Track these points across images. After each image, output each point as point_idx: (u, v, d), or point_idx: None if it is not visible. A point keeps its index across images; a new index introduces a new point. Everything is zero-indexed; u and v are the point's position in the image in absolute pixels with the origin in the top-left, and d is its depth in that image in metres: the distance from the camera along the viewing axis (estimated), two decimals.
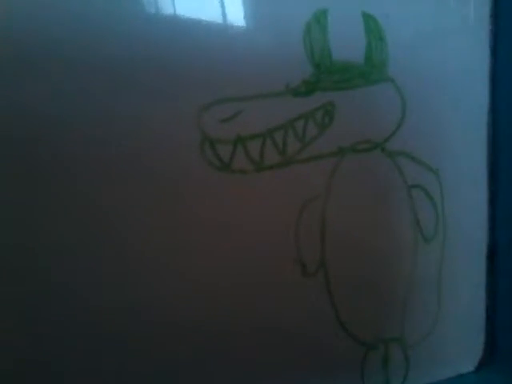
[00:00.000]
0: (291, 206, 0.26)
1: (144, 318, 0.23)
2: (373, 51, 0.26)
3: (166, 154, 0.23)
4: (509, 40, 0.30)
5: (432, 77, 0.29)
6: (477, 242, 0.32)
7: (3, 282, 0.21)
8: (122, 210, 0.22)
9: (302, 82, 0.25)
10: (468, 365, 0.32)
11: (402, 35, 0.27)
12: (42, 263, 0.21)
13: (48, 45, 0.21)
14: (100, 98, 0.22)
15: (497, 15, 0.30)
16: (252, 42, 0.24)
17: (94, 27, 0.21)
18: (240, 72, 0.24)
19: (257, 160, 0.24)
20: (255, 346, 0.26)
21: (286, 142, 0.25)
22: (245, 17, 0.24)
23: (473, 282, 0.32)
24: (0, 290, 0.21)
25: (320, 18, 0.25)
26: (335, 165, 0.26)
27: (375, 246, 0.28)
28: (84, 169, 0.22)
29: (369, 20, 0.26)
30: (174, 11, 0.23)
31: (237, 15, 0.24)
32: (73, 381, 0.22)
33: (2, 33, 0.20)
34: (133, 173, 0.23)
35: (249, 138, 0.24)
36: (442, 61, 0.29)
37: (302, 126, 0.25)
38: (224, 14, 0.24)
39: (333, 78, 0.26)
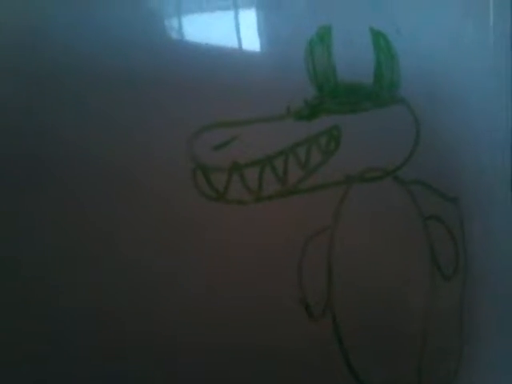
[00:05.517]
0: (293, 240, 0.24)
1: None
2: (383, 70, 0.25)
3: (153, 182, 0.22)
4: None
5: (449, 98, 0.27)
6: (504, 280, 0.30)
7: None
8: (112, 247, 0.21)
9: (304, 104, 0.23)
10: None
11: (415, 52, 0.26)
12: (38, 270, 0.21)
13: (50, 53, 0.20)
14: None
15: None
16: (250, 61, 0.23)
17: (93, 36, 0.21)
18: (236, 93, 0.23)
19: (255, 189, 0.23)
20: None
21: (287, 169, 0.23)
22: (242, 35, 0.23)
23: (501, 326, 0.30)
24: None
25: (323, 36, 0.24)
26: (342, 195, 0.25)
27: (388, 285, 0.26)
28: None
29: (378, 36, 0.25)
30: (165, 31, 0.22)
31: (233, 33, 0.23)
32: None
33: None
34: (117, 205, 0.21)
35: (246, 165, 0.23)
36: (461, 80, 0.27)
37: (305, 152, 0.24)
38: (219, 32, 0.23)
39: (338, 100, 0.24)
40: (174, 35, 0.22)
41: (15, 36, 0.20)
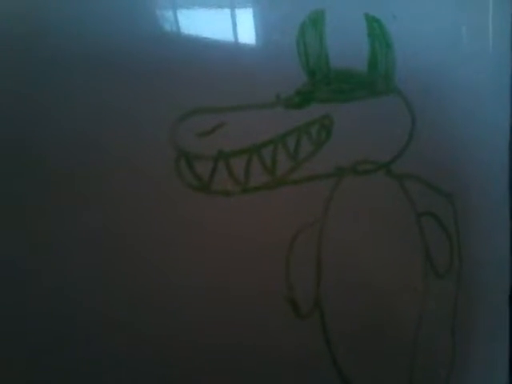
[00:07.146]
0: (281, 234, 0.23)
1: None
2: (377, 58, 0.24)
3: (134, 171, 0.21)
4: None
5: (446, 91, 0.26)
6: (498, 278, 0.29)
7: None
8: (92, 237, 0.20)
9: (294, 91, 0.23)
10: None
11: (412, 40, 0.25)
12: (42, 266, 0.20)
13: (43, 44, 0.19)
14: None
15: None
16: (238, 45, 0.22)
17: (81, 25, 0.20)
18: (223, 80, 0.22)
19: (241, 180, 0.22)
20: None
21: (276, 159, 0.23)
22: (231, 19, 0.22)
23: (494, 326, 0.29)
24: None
25: (316, 20, 0.23)
26: (333, 188, 0.24)
27: (379, 282, 0.25)
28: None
29: (373, 22, 0.24)
30: (154, 19, 0.21)
31: (223, 17, 0.22)
32: None
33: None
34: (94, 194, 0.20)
35: (232, 154, 0.22)
36: (458, 70, 0.26)
37: (295, 141, 0.23)
38: (208, 16, 0.22)
39: (330, 87, 0.23)
40: (163, 23, 0.21)
41: (17, 28, 0.19)
